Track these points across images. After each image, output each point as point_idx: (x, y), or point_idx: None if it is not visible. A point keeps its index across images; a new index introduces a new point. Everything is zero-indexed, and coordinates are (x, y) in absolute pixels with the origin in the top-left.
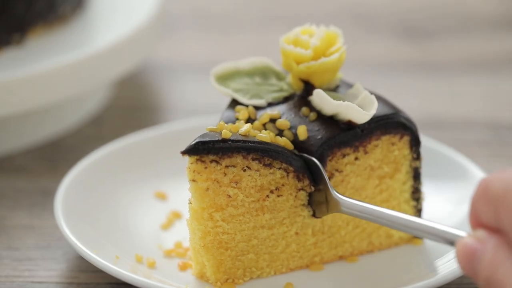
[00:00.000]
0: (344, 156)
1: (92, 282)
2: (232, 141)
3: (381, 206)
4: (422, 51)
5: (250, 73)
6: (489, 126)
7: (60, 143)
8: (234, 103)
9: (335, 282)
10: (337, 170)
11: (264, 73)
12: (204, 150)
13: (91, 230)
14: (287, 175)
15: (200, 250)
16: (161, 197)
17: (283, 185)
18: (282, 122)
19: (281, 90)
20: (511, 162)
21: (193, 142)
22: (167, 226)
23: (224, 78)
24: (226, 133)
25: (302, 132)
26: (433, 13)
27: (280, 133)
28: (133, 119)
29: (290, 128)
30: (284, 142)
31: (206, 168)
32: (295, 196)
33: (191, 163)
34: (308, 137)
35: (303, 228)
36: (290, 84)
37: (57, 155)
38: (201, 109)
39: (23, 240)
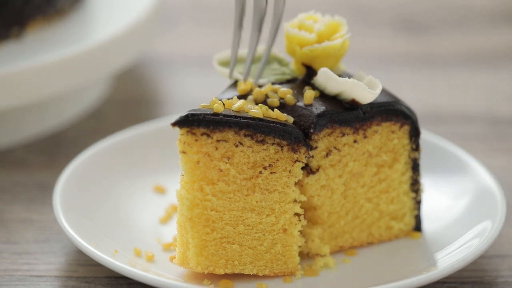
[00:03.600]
0: (343, 135)
1: (91, 275)
2: (224, 115)
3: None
4: (420, 44)
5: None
6: (488, 120)
7: (59, 136)
8: (235, 84)
9: (334, 275)
10: (335, 147)
11: (267, 60)
12: (194, 122)
13: (89, 224)
14: (281, 149)
15: (186, 224)
16: (160, 191)
17: (277, 160)
18: (285, 90)
19: (283, 74)
20: (510, 156)
21: (184, 114)
22: (166, 220)
23: (227, 64)
24: (218, 107)
25: (309, 96)
26: (432, 7)
27: (281, 100)
28: (132, 113)
29: (292, 95)
30: (276, 114)
31: (196, 140)
32: (289, 171)
33: (181, 135)
34: (311, 105)
35: (291, 226)
36: (292, 69)
37: (56, 148)
38: (201, 102)
39: (22, 234)
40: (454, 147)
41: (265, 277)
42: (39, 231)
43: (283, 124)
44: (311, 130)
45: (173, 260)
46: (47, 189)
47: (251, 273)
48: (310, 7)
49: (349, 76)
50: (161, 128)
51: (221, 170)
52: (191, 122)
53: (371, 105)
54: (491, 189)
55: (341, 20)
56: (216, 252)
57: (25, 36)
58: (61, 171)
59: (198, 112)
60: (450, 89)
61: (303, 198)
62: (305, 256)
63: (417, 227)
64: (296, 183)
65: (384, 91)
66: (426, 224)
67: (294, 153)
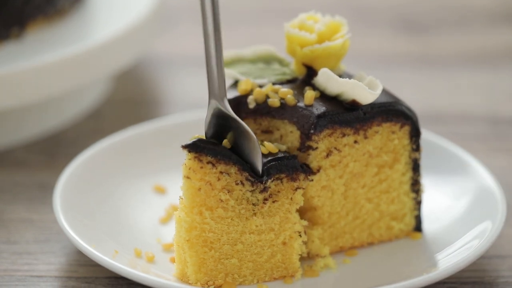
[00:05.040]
0: (344, 135)
1: (91, 276)
2: (231, 150)
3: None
4: (420, 45)
5: (253, 60)
6: (488, 120)
7: (59, 136)
8: (235, 84)
9: (334, 276)
10: (335, 148)
11: (267, 60)
12: (204, 149)
13: (89, 224)
14: (281, 182)
15: (184, 245)
16: (160, 191)
17: (278, 191)
18: (285, 91)
19: (284, 74)
20: (510, 156)
21: (195, 139)
22: (166, 220)
23: (227, 64)
24: (227, 143)
25: (310, 97)
26: (432, 7)
27: (282, 100)
28: (132, 113)
29: (293, 95)
30: (267, 149)
31: (201, 168)
32: (291, 199)
33: (189, 159)
34: (311, 105)
35: (291, 239)
36: (293, 70)
37: (56, 149)
38: (201, 103)
39: (22, 234)
40: (454, 147)
41: None
42: (39, 231)
43: (278, 159)
44: (312, 131)
45: (173, 274)
46: (47, 189)
47: (252, 284)
48: (310, 7)
49: (350, 77)
50: (161, 128)
51: (221, 200)
52: (200, 148)
53: (372, 105)
54: (491, 189)
55: (341, 20)
56: (215, 268)
57: (25, 36)
58: (61, 171)
59: (208, 140)
60: (450, 89)
61: (304, 223)
62: (306, 256)
63: (418, 228)
64: (297, 210)
65: (384, 92)
66: (426, 225)
67: (294, 181)
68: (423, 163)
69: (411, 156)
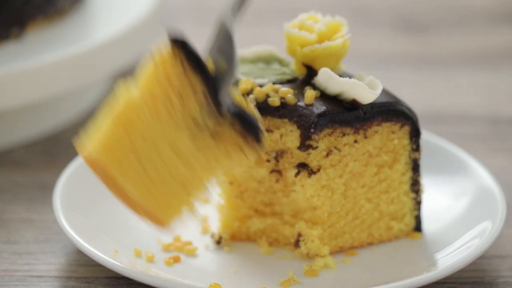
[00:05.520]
0: (344, 135)
1: (91, 276)
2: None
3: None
4: (420, 45)
5: (253, 61)
6: (488, 120)
7: (59, 137)
8: (235, 83)
9: (334, 276)
10: (335, 147)
11: (267, 60)
12: (185, 49)
13: (90, 224)
14: (234, 129)
15: (109, 119)
16: None
17: (224, 136)
18: (285, 90)
19: (284, 74)
20: (510, 156)
21: (184, 38)
22: None
23: None
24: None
25: (310, 96)
26: (432, 7)
27: (282, 99)
28: None
29: (293, 95)
30: (249, 107)
31: (171, 64)
32: (227, 151)
33: (166, 49)
34: (311, 105)
35: (195, 186)
36: (293, 70)
37: (56, 149)
38: None
39: (22, 234)
40: (454, 147)
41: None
42: (39, 231)
43: (246, 112)
44: (312, 130)
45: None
46: (47, 189)
47: (129, 195)
48: (310, 7)
49: (350, 77)
50: None
51: (170, 100)
52: (182, 46)
53: (372, 105)
54: (491, 189)
55: (341, 20)
56: (116, 153)
57: (25, 36)
58: (61, 171)
59: (194, 48)
60: (450, 89)
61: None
62: (305, 256)
63: (417, 228)
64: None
65: (384, 91)
66: (426, 225)
67: (242, 138)
68: (423, 163)
69: (411, 156)
